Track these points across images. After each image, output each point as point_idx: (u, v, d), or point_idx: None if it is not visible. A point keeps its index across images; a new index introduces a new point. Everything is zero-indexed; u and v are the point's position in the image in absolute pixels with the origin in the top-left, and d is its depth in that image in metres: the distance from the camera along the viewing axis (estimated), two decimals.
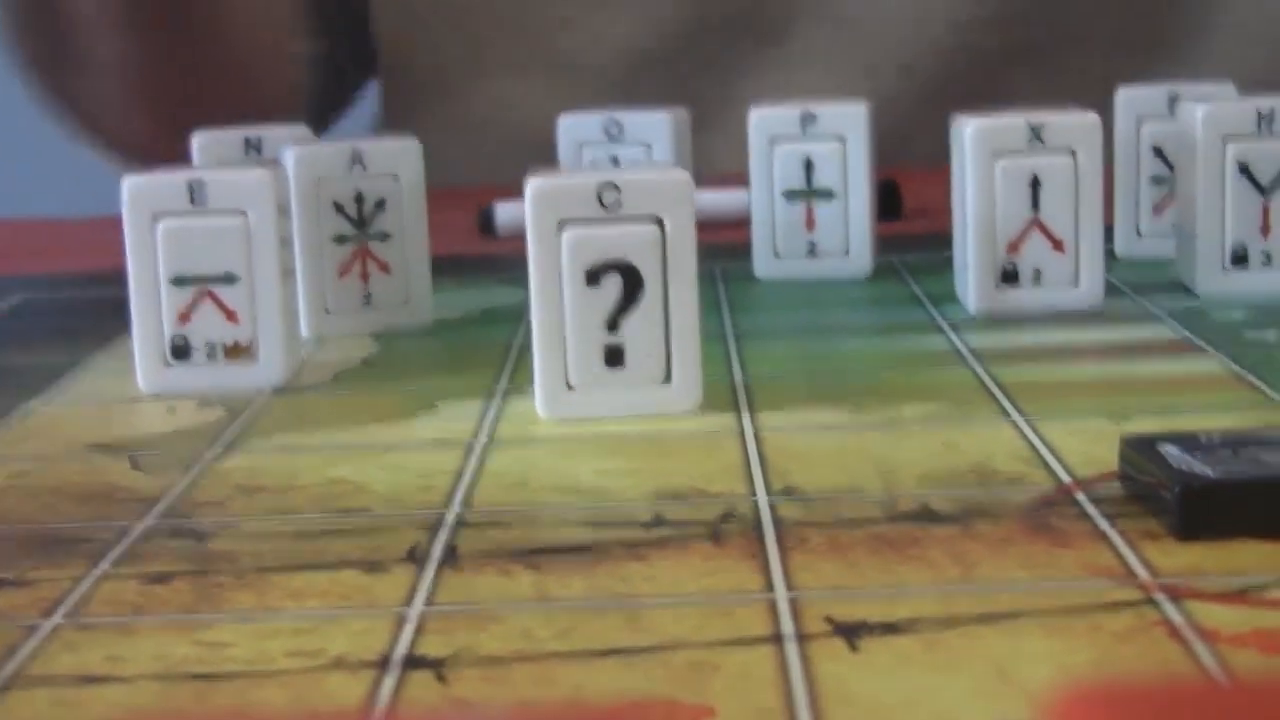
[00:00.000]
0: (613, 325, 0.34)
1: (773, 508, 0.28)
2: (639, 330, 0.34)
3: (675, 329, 0.34)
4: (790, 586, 0.25)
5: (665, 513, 0.28)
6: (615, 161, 0.48)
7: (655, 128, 0.48)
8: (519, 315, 0.43)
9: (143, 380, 0.38)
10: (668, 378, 0.34)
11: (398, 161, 0.43)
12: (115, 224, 0.38)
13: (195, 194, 0.37)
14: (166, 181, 0.37)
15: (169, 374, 0.38)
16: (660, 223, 0.34)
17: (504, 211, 0.58)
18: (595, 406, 0.34)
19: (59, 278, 0.54)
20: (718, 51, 0.74)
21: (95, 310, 0.48)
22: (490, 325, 0.44)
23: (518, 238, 0.57)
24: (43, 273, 0.55)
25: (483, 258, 0.53)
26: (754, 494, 0.29)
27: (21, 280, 0.54)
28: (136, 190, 0.37)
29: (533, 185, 0.34)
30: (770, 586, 0.25)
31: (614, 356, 0.34)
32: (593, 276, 0.34)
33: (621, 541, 0.27)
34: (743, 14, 0.74)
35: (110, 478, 0.32)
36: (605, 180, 0.33)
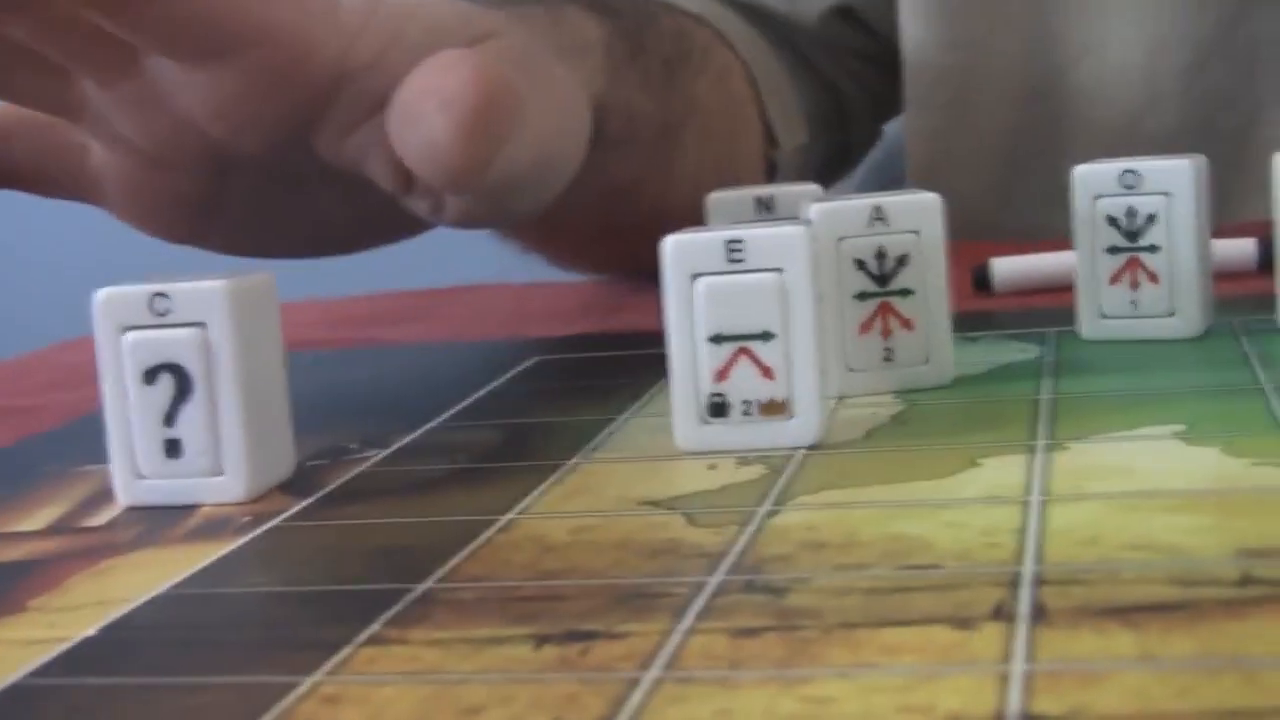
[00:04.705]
0: None
1: None
2: None
3: None
4: None
5: (1254, 571, 0.27)
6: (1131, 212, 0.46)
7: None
8: (1037, 372, 0.42)
9: (680, 438, 0.38)
10: None
11: (920, 218, 0.42)
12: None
13: (733, 252, 0.38)
14: (706, 240, 0.38)
15: (706, 431, 0.38)
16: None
17: (1002, 266, 0.57)
18: None
19: (569, 340, 0.55)
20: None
21: (612, 369, 0.49)
22: (1010, 381, 0.43)
23: (1017, 293, 0.57)
24: (554, 335, 0.57)
25: (981, 314, 0.53)
26: None
27: (535, 343, 0.55)
28: (677, 251, 0.38)
29: None
30: None
31: None
32: None
33: (1216, 599, 0.26)
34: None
35: (671, 533, 0.32)
36: None
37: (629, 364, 0.49)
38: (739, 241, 0.38)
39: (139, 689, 0.27)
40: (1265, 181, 0.45)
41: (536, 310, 0.63)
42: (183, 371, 0.37)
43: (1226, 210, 0.60)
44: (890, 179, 0.85)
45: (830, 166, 0.81)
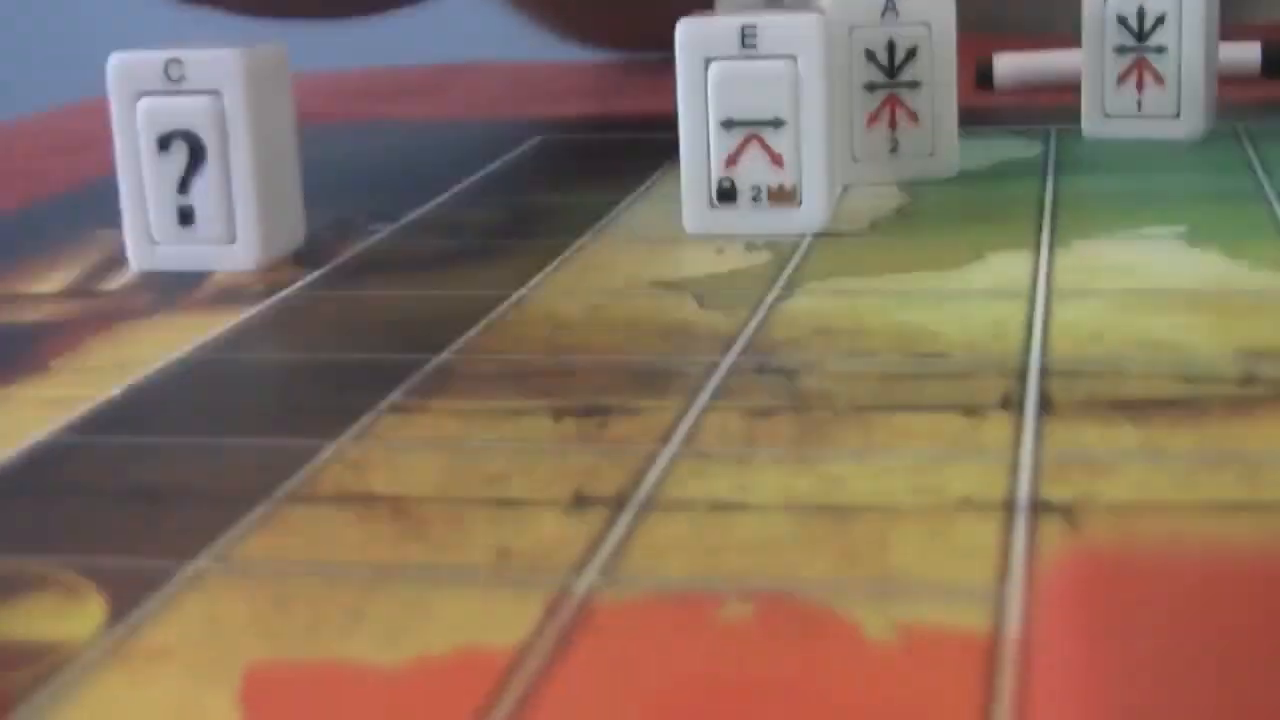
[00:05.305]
0: None
1: None
2: None
3: None
4: None
5: (1257, 370, 0.28)
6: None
7: None
8: (1040, 168, 0.43)
9: (689, 221, 0.39)
10: None
11: (931, 11, 0.42)
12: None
13: (746, 38, 0.38)
14: (719, 26, 0.38)
15: (714, 215, 0.38)
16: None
17: (1004, 63, 0.57)
18: None
19: (574, 122, 0.55)
20: None
21: (618, 152, 0.49)
22: (1014, 177, 0.43)
23: (1018, 90, 0.57)
24: (558, 116, 0.57)
25: (982, 109, 0.53)
26: None
27: (540, 123, 0.55)
28: (689, 36, 0.38)
29: None
30: None
31: None
32: None
33: (1219, 397, 0.27)
34: None
35: (682, 314, 0.33)
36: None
37: (634, 147, 0.49)
38: (753, 27, 0.38)
39: (164, 449, 0.27)
40: None
41: (539, 91, 0.63)
42: (196, 139, 0.37)
43: (1239, 11, 0.60)
44: None
45: None
